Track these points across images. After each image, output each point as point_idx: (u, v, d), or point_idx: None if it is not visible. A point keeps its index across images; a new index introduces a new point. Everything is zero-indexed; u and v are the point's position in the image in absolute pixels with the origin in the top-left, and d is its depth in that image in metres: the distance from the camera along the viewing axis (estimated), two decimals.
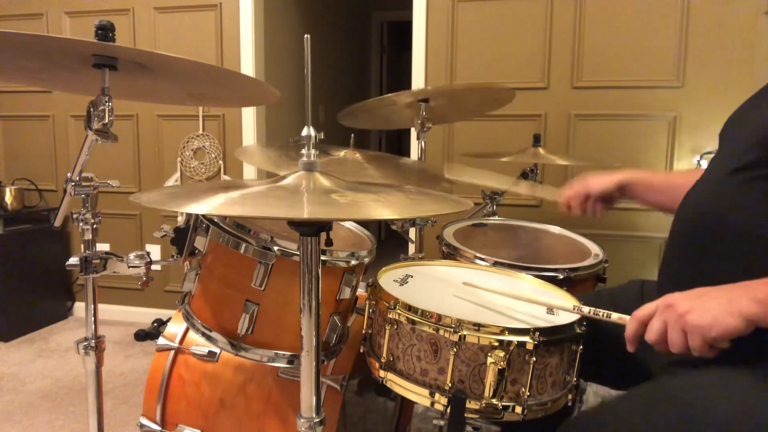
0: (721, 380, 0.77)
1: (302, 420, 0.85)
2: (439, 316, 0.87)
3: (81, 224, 1.08)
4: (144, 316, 3.00)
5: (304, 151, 0.81)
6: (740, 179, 0.86)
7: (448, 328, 0.86)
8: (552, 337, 0.87)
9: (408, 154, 2.64)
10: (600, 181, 1.26)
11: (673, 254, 0.97)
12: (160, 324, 2.85)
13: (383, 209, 0.73)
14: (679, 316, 0.74)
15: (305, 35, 0.78)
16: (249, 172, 2.83)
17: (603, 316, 0.89)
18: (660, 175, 1.24)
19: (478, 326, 0.85)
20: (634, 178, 1.23)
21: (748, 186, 0.85)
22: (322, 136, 0.83)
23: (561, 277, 1.31)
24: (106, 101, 0.93)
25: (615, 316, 0.87)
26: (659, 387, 0.82)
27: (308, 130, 0.80)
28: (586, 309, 0.92)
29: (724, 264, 0.86)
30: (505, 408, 0.86)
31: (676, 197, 1.00)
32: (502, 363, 0.84)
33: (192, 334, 1.32)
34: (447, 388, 0.86)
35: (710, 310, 0.72)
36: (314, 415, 0.85)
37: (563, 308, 0.97)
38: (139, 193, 0.75)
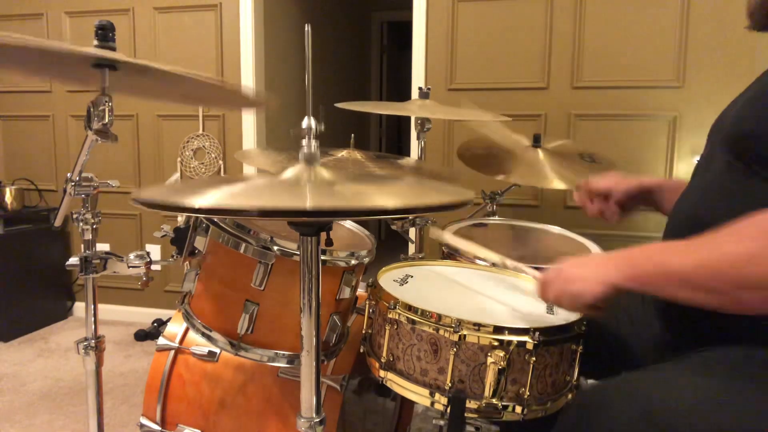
0: (720, 389, 0.77)
1: (302, 420, 0.84)
2: (439, 316, 0.87)
3: (81, 224, 1.08)
4: (144, 316, 3.00)
5: (304, 142, 0.79)
6: (720, 181, 0.87)
7: (448, 328, 0.86)
8: (552, 337, 0.87)
9: (408, 154, 2.64)
10: (625, 185, 1.17)
11: None
12: (160, 324, 2.85)
13: (387, 199, 0.72)
14: (564, 283, 0.85)
15: (306, 23, 0.77)
16: (249, 172, 2.83)
17: (516, 268, 1.04)
18: (679, 181, 1.16)
19: (478, 326, 0.85)
20: (663, 184, 1.16)
21: (725, 188, 0.86)
22: (323, 128, 0.81)
23: None
24: (106, 101, 0.93)
25: (529, 271, 1.01)
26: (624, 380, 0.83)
27: (309, 121, 0.78)
28: (509, 263, 1.04)
29: None
30: (505, 408, 0.86)
31: None
32: (502, 363, 0.84)
33: (192, 334, 1.32)
34: (447, 387, 0.86)
35: (585, 280, 0.82)
36: (314, 415, 0.84)
37: (491, 260, 1.10)
38: (138, 190, 0.75)
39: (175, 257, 1.11)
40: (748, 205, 0.82)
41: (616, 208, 1.20)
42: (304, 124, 0.78)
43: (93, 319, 1.13)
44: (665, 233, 0.99)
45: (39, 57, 0.91)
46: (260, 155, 1.53)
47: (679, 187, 1.14)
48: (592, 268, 0.83)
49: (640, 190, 1.17)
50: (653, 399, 0.76)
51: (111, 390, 2.20)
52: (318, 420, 0.85)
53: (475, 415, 0.86)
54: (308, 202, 0.66)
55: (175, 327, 1.36)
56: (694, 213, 0.90)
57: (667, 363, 0.87)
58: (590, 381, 1.16)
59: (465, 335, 0.85)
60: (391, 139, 5.60)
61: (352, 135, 1.48)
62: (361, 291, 1.16)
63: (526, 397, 0.86)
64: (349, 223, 1.38)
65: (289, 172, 0.78)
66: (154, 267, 1.12)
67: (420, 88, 1.68)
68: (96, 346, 1.12)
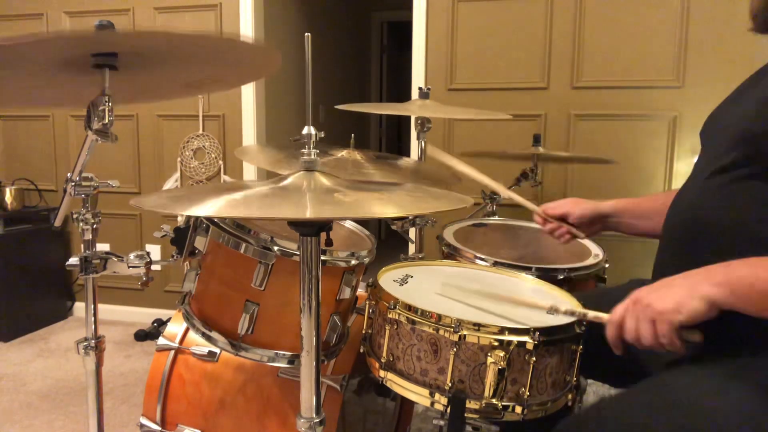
0: (721, 384, 0.77)
1: (302, 420, 0.85)
2: (439, 316, 0.87)
3: (81, 224, 1.08)
4: (144, 316, 3.00)
5: (304, 150, 0.81)
6: (721, 181, 0.87)
7: (448, 328, 0.86)
8: (552, 337, 0.87)
9: (408, 154, 2.64)
10: (580, 208, 1.20)
11: (663, 256, 0.97)
12: (160, 324, 2.85)
13: (386, 207, 0.73)
14: (646, 307, 0.77)
15: (306, 34, 0.78)
16: (249, 172, 2.83)
17: (579, 315, 0.91)
18: (644, 200, 1.19)
19: (478, 326, 0.85)
20: (620, 209, 1.18)
21: (729, 188, 0.85)
22: (322, 134, 0.83)
23: (561, 277, 1.31)
24: (106, 101, 0.93)
25: (591, 315, 0.89)
26: (659, 388, 0.82)
27: (309, 129, 0.80)
28: (562, 308, 0.93)
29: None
30: (505, 408, 0.86)
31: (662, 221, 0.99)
32: (502, 363, 0.84)
33: (192, 334, 1.32)
34: (447, 388, 0.86)
35: (673, 296, 0.75)
36: (314, 415, 0.85)
37: (537, 306, 0.96)
38: (139, 197, 0.75)
39: (175, 257, 1.11)
40: (750, 206, 0.82)
41: (571, 231, 1.22)
42: (304, 131, 0.79)
43: (93, 319, 1.13)
44: (662, 235, 0.99)
45: (38, 70, 0.91)
46: (260, 153, 1.54)
47: (641, 211, 1.16)
48: (680, 287, 0.76)
49: (593, 215, 1.20)
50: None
51: (111, 390, 2.20)
52: (318, 420, 0.85)
53: (475, 416, 0.86)
54: (308, 212, 0.67)
55: (175, 327, 1.36)
56: (692, 214, 0.90)
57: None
58: (590, 381, 1.16)
59: (465, 335, 0.85)
60: (391, 139, 5.60)
61: (352, 135, 1.48)
62: (361, 291, 1.16)
63: (526, 397, 0.86)
64: (349, 223, 1.38)
65: (289, 180, 0.79)
66: (154, 267, 1.12)
67: (420, 88, 1.68)
68: (96, 346, 1.12)
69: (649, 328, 0.76)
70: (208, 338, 1.07)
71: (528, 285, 1.16)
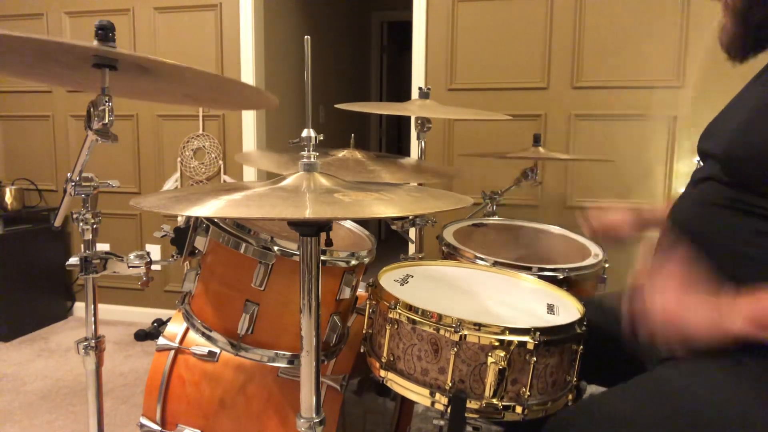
0: (715, 377, 0.77)
1: (302, 420, 0.84)
2: (440, 316, 0.87)
3: (81, 224, 1.08)
4: (144, 316, 3.00)
5: (304, 152, 0.81)
6: (716, 194, 0.87)
7: (448, 328, 0.86)
8: (552, 337, 0.87)
9: (408, 154, 2.64)
10: (627, 224, 1.20)
11: (656, 261, 0.97)
12: (160, 324, 2.85)
13: (386, 207, 0.73)
14: (670, 320, 0.78)
15: (305, 37, 0.78)
16: (249, 172, 2.83)
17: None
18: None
19: (478, 326, 0.85)
20: (658, 215, 1.16)
21: (723, 202, 0.86)
22: (321, 137, 0.83)
23: (561, 277, 1.31)
24: (106, 101, 0.93)
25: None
26: (651, 379, 0.82)
27: (308, 132, 0.80)
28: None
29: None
30: (506, 408, 0.86)
31: None
32: (502, 363, 0.84)
33: (192, 334, 1.32)
34: (447, 387, 0.86)
35: (698, 324, 0.76)
36: (314, 415, 0.84)
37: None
38: (139, 197, 0.75)
39: (175, 257, 1.11)
40: (742, 220, 0.83)
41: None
42: (304, 134, 0.79)
43: (93, 319, 1.13)
44: (659, 242, 0.99)
45: (39, 58, 0.91)
46: (261, 157, 1.53)
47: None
48: (709, 312, 0.77)
49: (639, 224, 1.19)
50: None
51: (111, 390, 2.20)
52: (318, 420, 0.85)
53: (476, 415, 0.86)
54: (308, 212, 0.68)
55: (175, 327, 1.36)
56: (689, 227, 0.90)
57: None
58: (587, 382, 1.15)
59: (465, 335, 0.85)
60: (391, 139, 5.61)
61: (352, 135, 1.48)
62: (361, 291, 1.16)
63: (526, 397, 0.86)
64: (349, 223, 1.38)
65: (289, 180, 0.80)
66: (154, 267, 1.12)
67: (420, 88, 1.68)
68: (96, 346, 1.12)
69: (666, 336, 0.79)
70: (208, 338, 1.07)
71: (528, 285, 1.16)
